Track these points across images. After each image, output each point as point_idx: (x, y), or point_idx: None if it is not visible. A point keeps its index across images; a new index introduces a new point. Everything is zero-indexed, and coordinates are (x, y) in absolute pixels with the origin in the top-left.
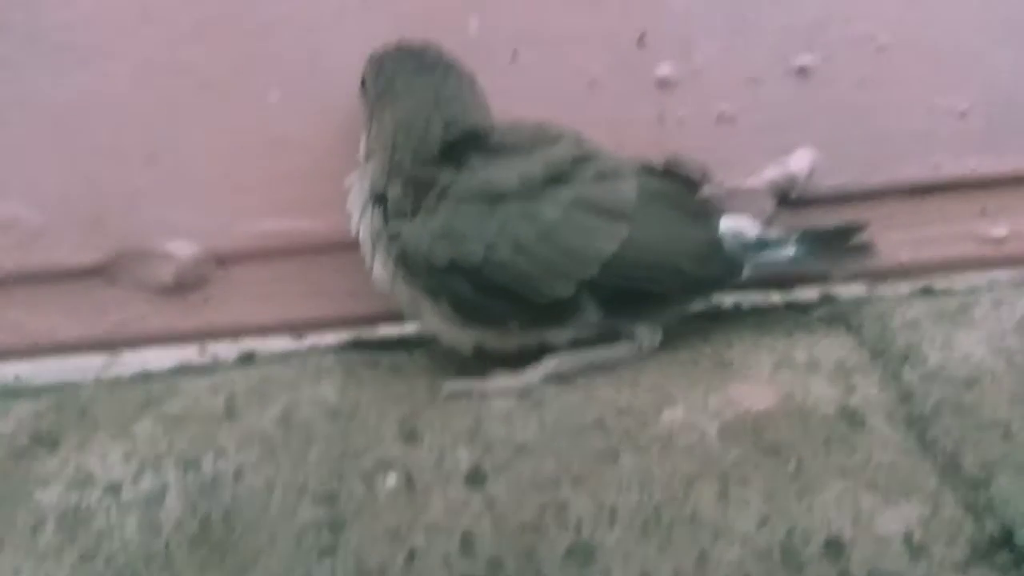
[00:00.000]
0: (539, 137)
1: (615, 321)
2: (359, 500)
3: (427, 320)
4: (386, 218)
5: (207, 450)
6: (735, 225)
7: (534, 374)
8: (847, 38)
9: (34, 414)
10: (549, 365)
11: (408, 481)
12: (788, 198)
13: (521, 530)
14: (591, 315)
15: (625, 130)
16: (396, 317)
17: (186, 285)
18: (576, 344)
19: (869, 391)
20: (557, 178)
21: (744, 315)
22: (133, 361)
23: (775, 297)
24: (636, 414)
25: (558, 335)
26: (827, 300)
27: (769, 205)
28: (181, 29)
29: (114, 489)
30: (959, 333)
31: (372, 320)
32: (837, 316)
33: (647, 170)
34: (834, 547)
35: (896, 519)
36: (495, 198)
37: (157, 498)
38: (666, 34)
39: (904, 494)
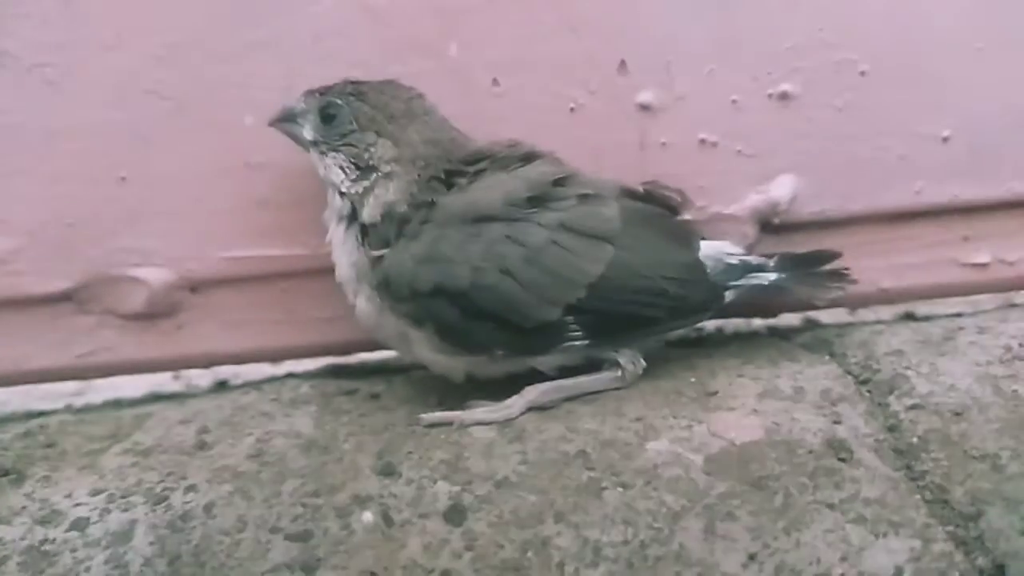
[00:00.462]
0: (515, 155)
1: (600, 347)
2: (334, 538)
3: (416, 350)
4: (369, 246)
5: (177, 484)
6: (716, 249)
7: (515, 404)
8: (828, 64)
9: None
10: (530, 395)
11: (385, 517)
12: (770, 224)
13: (502, 569)
14: (577, 340)
15: (606, 155)
16: (374, 345)
17: (158, 312)
18: (563, 371)
19: (855, 422)
20: (540, 200)
21: (727, 341)
22: (102, 390)
23: (756, 322)
24: (620, 446)
25: (544, 362)
26: (810, 326)
27: (752, 231)
28: (154, 52)
29: (80, 525)
30: (944, 361)
31: (349, 348)
32: (820, 343)
33: (627, 192)
34: None
35: (886, 554)
36: (479, 220)
37: (125, 535)
38: (647, 60)
39: (893, 528)
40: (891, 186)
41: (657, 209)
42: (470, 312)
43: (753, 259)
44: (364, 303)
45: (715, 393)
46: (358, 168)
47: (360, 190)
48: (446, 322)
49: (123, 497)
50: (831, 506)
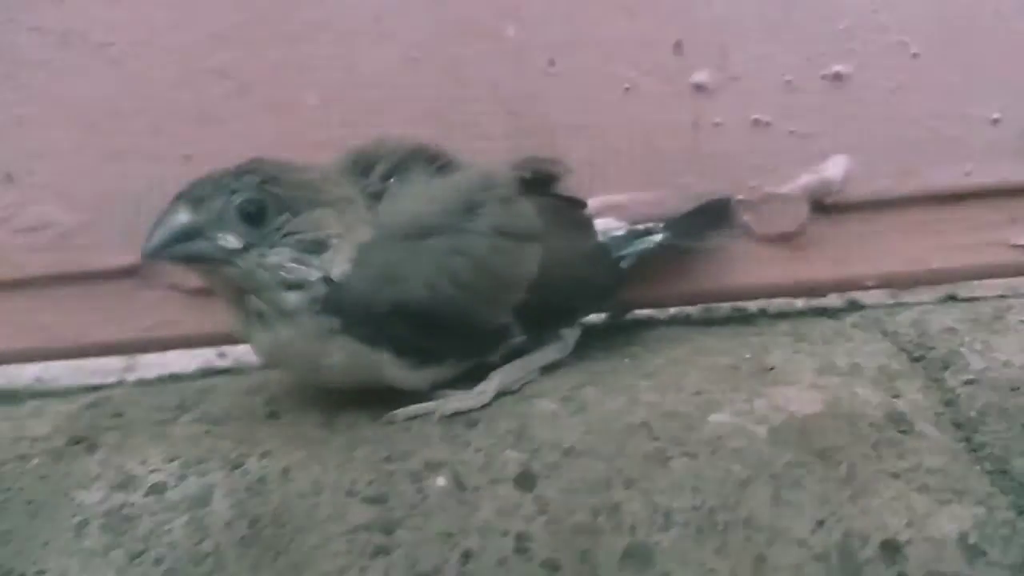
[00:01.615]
0: (406, 154)
1: (536, 336)
2: (409, 501)
3: (384, 373)
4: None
5: (251, 451)
6: (604, 226)
7: (487, 389)
8: (881, 46)
9: (68, 416)
10: (496, 380)
11: (457, 482)
12: (822, 204)
13: (575, 532)
14: (517, 336)
15: (659, 135)
16: None
17: None
18: (507, 358)
19: (913, 396)
20: (471, 209)
21: (776, 321)
22: (151, 366)
23: (799, 303)
24: (682, 418)
25: (492, 356)
26: (854, 306)
27: (804, 211)
28: (217, 32)
29: (158, 490)
30: (997, 339)
31: None
32: (870, 322)
33: (525, 183)
34: (890, 549)
35: (951, 521)
36: (424, 236)
37: (203, 499)
38: (703, 41)
39: (957, 496)
40: (941, 167)
41: (556, 200)
42: (427, 326)
43: (640, 227)
44: (338, 354)
45: (772, 369)
46: (312, 251)
47: (324, 267)
48: (401, 341)
49: (199, 463)
50: (895, 475)
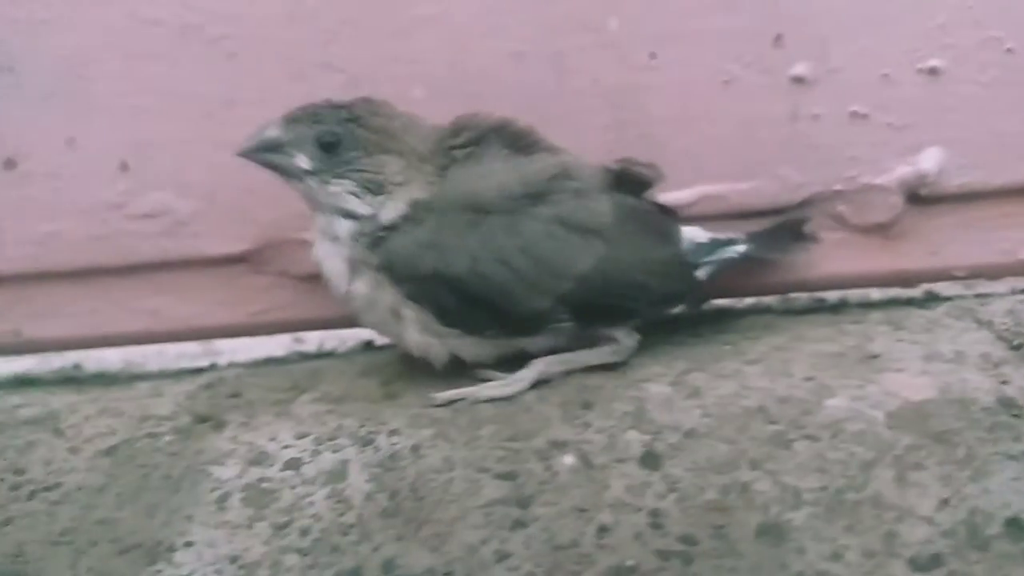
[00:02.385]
0: (491, 130)
1: (586, 330)
2: (539, 478)
3: (405, 332)
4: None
5: (379, 429)
6: (690, 234)
7: (525, 378)
8: (975, 41)
9: (186, 396)
10: (536, 368)
11: (584, 461)
12: (916, 195)
13: (707, 509)
14: (564, 325)
15: (758, 127)
16: None
17: None
18: (552, 351)
19: (1021, 382)
20: (536, 195)
21: (870, 309)
22: (227, 352)
23: (875, 294)
24: (797, 403)
25: (533, 343)
26: (941, 297)
27: (899, 202)
28: (329, 26)
29: (293, 465)
30: None
31: None
32: (963, 311)
33: (613, 179)
34: (1015, 526)
35: None
36: (479, 211)
37: (339, 473)
38: (803, 34)
39: None
40: None
41: (645, 204)
42: (466, 297)
43: (722, 236)
44: (362, 285)
45: (877, 356)
46: (370, 190)
47: (376, 207)
48: (443, 304)
49: (329, 440)
50: (1013, 457)
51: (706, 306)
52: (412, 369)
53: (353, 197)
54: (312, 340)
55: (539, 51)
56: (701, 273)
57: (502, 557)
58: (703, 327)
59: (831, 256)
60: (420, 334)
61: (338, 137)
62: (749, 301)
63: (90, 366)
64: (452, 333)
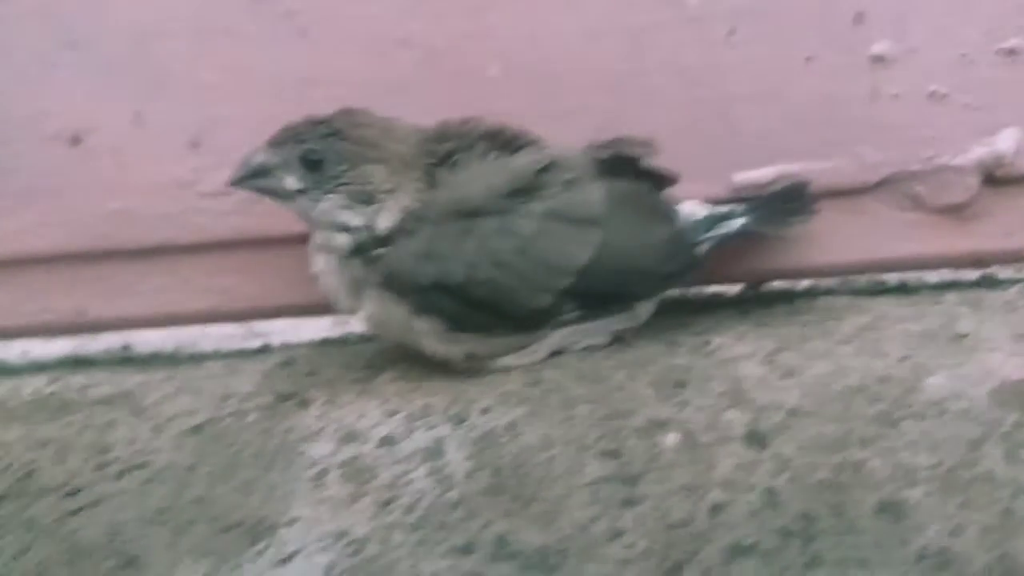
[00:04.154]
0: (480, 136)
1: (591, 317)
2: (644, 456)
3: (421, 340)
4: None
5: (469, 407)
6: (688, 211)
7: (539, 350)
8: None
9: (264, 375)
10: (553, 340)
11: (688, 440)
12: (992, 176)
13: (822, 487)
14: (569, 315)
15: (837, 106)
16: None
17: None
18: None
19: None
20: (527, 189)
21: (943, 290)
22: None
23: (932, 277)
24: (898, 382)
25: (541, 336)
26: (988, 281)
27: (975, 183)
28: (403, 3)
29: (388, 442)
30: None
31: None
32: None
33: (603, 165)
34: None
35: None
36: (471, 215)
37: (436, 451)
38: (883, 12)
39: None
40: None
41: (638, 185)
42: (470, 303)
43: (720, 209)
44: (370, 304)
45: (966, 336)
46: (361, 201)
47: (369, 217)
48: (449, 313)
49: (422, 417)
50: None
51: (766, 288)
52: None
53: (345, 210)
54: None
55: (615, 27)
56: (701, 250)
57: (615, 535)
58: (775, 307)
59: (906, 237)
60: (437, 343)
61: (321, 154)
62: (805, 283)
63: (141, 347)
64: (465, 337)
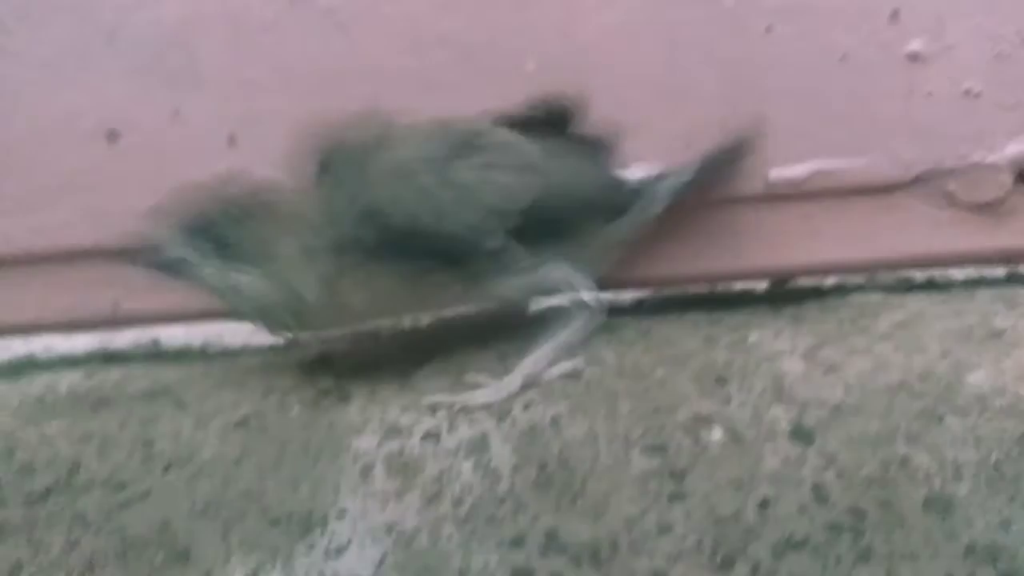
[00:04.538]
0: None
1: (545, 262)
2: (690, 451)
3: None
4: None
5: (510, 403)
6: (637, 171)
7: (511, 382)
8: None
9: (302, 368)
10: (523, 370)
11: (733, 435)
12: None
13: (870, 483)
14: (518, 257)
15: (873, 103)
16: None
17: None
18: (518, 303)
19: None
20: (462, 147)
21: (975, 286)
22: None
23: (959, 274)
24: (939, 378)
25: (496, 287)
26: (1018, 278)
27: (1008, 181)
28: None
29: (432, 437)
30: None
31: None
32: None
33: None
34: None
35: None
36: (408, 174)
37: (481, 445)
38: (919, 10)
39: None
40: None
41: (571, 137)
42: (420, 253)
43: (671, 168)
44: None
45: (1003, 332)
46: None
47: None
48: (402, 266)
49: (463, 412)
50: None
51: (794, 284)
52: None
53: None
54: None
55: (652, 23)
56: (650, 198)
57: (664, 529)
58: (806, 304)
59: (938, 234)
60: (395, 303)
61: (225, 236)
62: (832, 280)
63: (168, 342)
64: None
